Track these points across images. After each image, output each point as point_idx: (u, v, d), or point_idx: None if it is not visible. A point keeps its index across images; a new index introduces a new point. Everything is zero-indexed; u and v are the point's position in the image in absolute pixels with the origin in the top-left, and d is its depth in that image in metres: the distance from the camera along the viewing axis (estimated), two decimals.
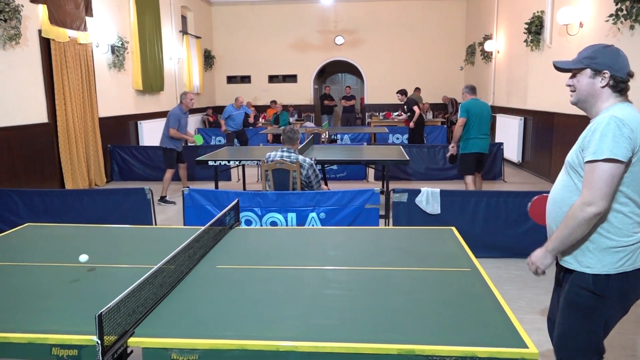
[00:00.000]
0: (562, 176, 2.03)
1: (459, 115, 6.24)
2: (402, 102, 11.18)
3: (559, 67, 2.00)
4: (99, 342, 1.64)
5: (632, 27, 5.81)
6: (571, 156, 1.96)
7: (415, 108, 10.31)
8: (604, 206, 1.80)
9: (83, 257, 2.44)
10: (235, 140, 10.85)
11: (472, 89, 6.39)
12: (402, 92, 11.12)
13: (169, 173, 7.34)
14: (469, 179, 6.30)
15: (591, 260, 1.90)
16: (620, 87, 1.89)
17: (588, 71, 1.91)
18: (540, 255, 2.01)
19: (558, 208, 1.98)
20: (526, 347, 1.66)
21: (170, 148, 7.29)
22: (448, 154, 6.56)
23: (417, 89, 13.09)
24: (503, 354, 1.64)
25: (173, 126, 7.17)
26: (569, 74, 2.00)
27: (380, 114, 15.00)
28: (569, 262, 1.98)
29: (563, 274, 2.07)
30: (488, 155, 7.54)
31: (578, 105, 2.00)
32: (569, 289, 1.98)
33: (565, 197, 1.95)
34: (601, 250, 1.88)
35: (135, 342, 1.78)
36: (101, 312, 1.65)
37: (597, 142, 1.78)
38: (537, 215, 2.26)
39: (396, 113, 13.41)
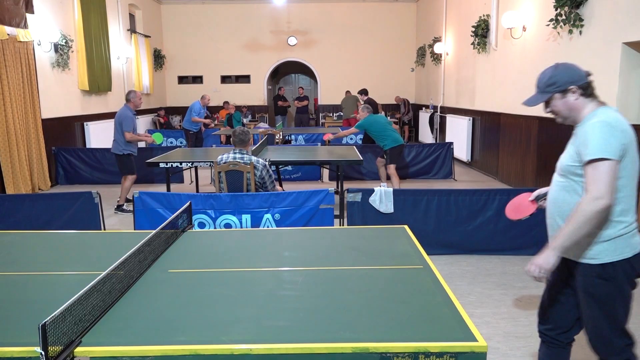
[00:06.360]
0: (558, 179, 2.15)
1: (355, 126, 7.34)
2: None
3: (531, 105, 2.15)
4: (43, 353, 1.57)
5: (570, 32, 6.11)
6: (566, 161, 2.09)
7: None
8: (612, 199, 1.91)
9: None
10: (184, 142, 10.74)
11: (371, 109, 7.41)
12: (363, 93, 11.37)
13: (129, 180, 6.80)
14: (393, 167, 7.22)
15: (594, 252, 2.01)
16: (589, 91, 2.06)
17: (557, 95, 2.07)
18: (545, 256, 2.01)
19: (559, 207, 2.10)
20: (475, 340, 1.71)
21: (127, 154, 6.76)
22: (325, 137, 7.84)
23: (348, 92, 13.89)
24: (454, 348, 1.68)
25: (128, 130, 6.64)
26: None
27: (334, 114, 15.11)
28: (575, 255, 2.08)
29: (568, 268, 2.15)
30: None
31: (566, 122, 2.13)
32: (583, 281, 2.07)
33: (566, 197, 2.08)
34: (601, 242, 2.00)
35: (83, 351, 1.71)
36: (45, 322, 1.58)
37: (594, 144, 1.91)
38: (512, 211, 2.47)
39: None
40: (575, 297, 2.17)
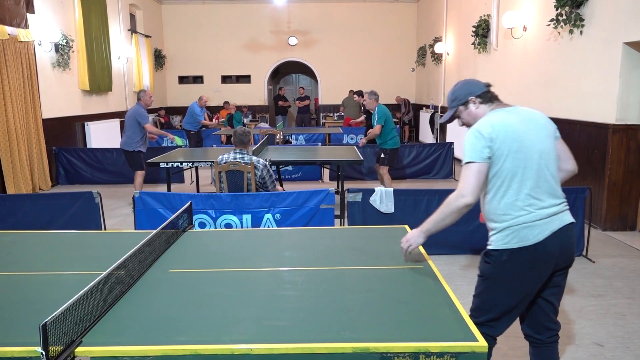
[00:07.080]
0: None
1: (377, 121, 6.86)
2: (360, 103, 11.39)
3: (447, 121, 2.44)
4: (44, 353, 1.57)
5: (571, 32, 6.10)
6: None
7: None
8: (474, 198, 2.11)
9: None
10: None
11: (378, 96, 7.10)
12: (359, 94, 11.36)
13: (140, 176, 6.89)
14: (387, 169, 7.07)
15: (490, 240, 2.23)
16: (487, 97, 2.28)
17: (461, 108, 2.33)
18: (415, 234, 2.36)
19: (483, 210, 2.31)
20: (476, 340, 1.71)
21: (137, 151, 6.88)
22: (360, 143, 7.57)
23: (351, 91, 13.73)
24: (454, 348, 1.68)
25: (147, 121, 6.84)
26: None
27: (335, 114, 15.10)
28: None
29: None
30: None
31: None
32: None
33: (483, 200, 2.26)
34: (496, 232, 2.19)
35: (84, 351, 1.71)
36: (46, 322, 1.58)
37: (465, 150, 2.17)
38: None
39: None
40: (543, 298, 2.28)
